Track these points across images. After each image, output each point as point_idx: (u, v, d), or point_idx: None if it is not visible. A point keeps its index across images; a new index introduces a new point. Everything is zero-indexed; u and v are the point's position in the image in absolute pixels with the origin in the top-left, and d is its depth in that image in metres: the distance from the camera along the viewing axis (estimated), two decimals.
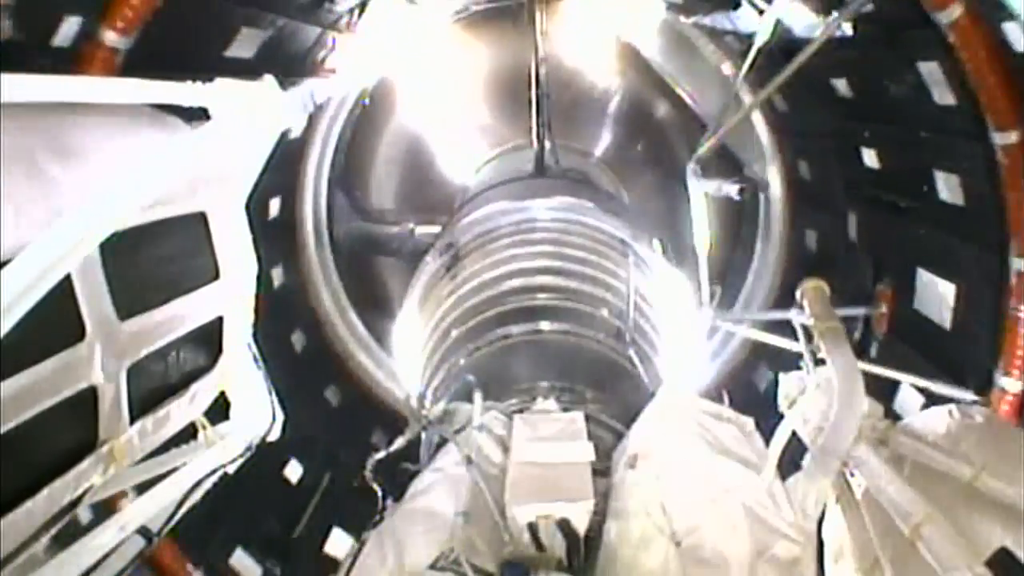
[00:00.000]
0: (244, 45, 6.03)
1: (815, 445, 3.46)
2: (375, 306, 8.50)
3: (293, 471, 7.13)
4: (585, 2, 6.43)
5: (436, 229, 6.94)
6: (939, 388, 5.61)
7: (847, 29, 5.39)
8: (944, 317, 5.97)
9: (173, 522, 3.74)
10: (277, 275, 7.63)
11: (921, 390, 5.77)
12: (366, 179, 7.71)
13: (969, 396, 5.47)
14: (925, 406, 5.62)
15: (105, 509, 3.47)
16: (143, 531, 3.51)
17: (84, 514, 3.35)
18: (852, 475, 3.61)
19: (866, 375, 3.66)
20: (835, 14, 5.16)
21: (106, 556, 3.25)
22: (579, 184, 8.29)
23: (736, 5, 5.97)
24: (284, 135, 3.92)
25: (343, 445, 7.39)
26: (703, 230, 6.29)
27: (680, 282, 6.67)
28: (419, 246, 6.95)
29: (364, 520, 3.42)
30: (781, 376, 4.24)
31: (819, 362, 4.04)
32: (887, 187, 6.62)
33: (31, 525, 2.86)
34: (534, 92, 6.57)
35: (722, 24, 6.54)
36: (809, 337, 4.32)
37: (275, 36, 6.18)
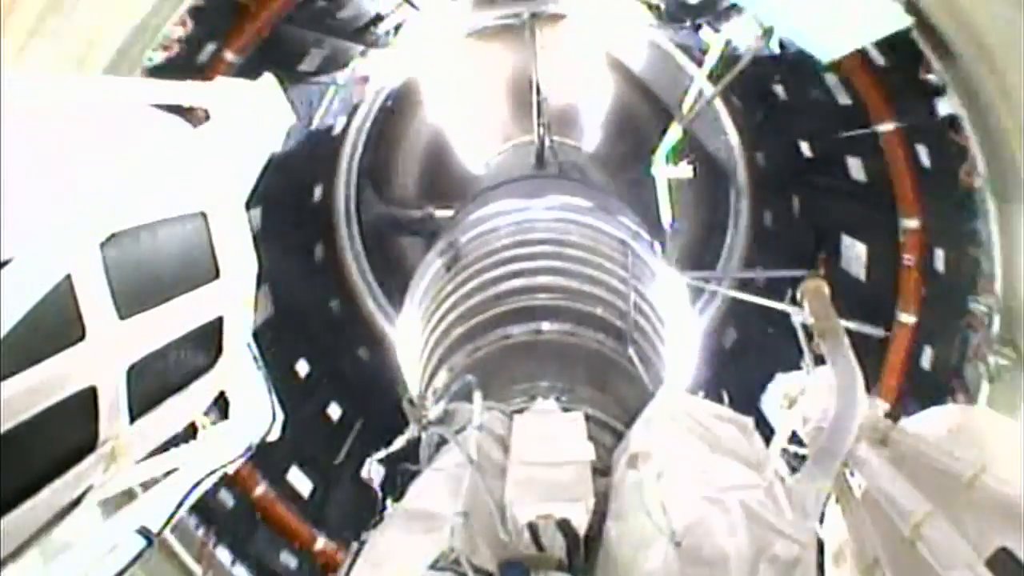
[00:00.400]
0: (311, 61, 7.61)
1: (815, 445, 3.47)
2: (396, 280, 9.40)
3: (334, 411, 8.71)
4: (576, 22, 8.07)
5: (452, 212, 8.02)
6: (859, 328, 6.66)
7: (775, 47, 6.43)
8: (860, 272, 7.51)
9: (173, 522, 3.73)
10: (319, 250, 9.16)
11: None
12: (390, 169, 9.14)
13: (880, 332, 6.92)
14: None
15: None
16: (143, 531, 3.50)
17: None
18: (852, 475, 3.61)
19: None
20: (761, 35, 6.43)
21: (106, 556, 3.25)
22: (579, 184, 8.33)
23: (699, 27, 7.34)
24: (282, 128, 4.04)
25: (373, 393, 8.50)
26: (665, 202, 8.08)
27: (678, 283, 6.70)
28: (438, 227, 7.97)
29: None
30: (782, 376, 4.25)
31: (819, 360, 4.05)
32: (818, 171, 8.26)
33: (31, 525, 2.86)
34: (534, 96, 7.74)
35: (688, 41, 8.01)
36: (809, 336, 4.32)
37: (331, 54, 7.68)
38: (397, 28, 7.94)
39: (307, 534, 7.23)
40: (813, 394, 3.92)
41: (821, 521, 3.45)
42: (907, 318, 6.89)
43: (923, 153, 6.41)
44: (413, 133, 8.91)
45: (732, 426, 3.68)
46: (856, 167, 7.44)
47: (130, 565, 3.45)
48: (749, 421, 3.81)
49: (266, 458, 6.99)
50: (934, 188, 6.41)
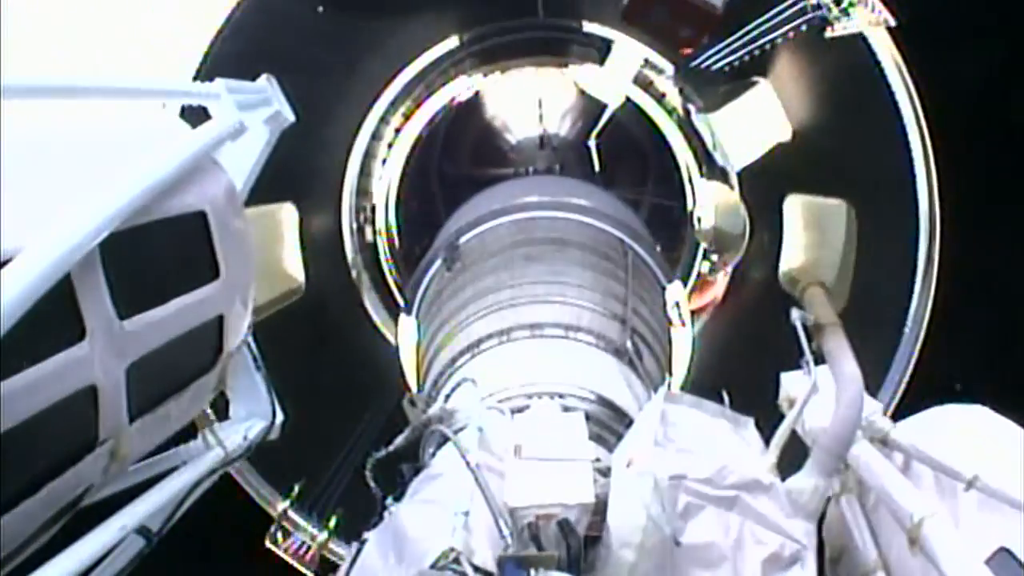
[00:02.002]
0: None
1: (815, 445, 3.46)
2: None
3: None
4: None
5: (503, 171, 10.67)
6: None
7: None
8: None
9: (173, 522, 3.73)
10: (426, 195, 11.31)
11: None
12: (459, 145, 11.51)
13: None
14: None
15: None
16: (143, 531, 3.50)
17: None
18: (852, 474, 3.61)
19: None
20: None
21: (106, 556, 3.25)
22: (580, 184, 8.37)
23: None
24: (281, 129, 4.06)
25: None
26: (596, 161, 10.37)
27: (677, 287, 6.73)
28: (492, 181, 9.74)
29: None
30: (782, 376, 4.24)
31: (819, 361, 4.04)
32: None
33: (31, 524, 2.86)
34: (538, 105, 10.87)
35: None
36: (809, 337, 4.31)
37: None
38: None
39: None
40: (813, 394, 3.91)
41: (821, 521, 3.44)
42: None
43: None
44: (473, 123, 11.31)
45: (732, 426, 3.68)
46: None
47: (130, 565, 3.45)
48: (749, 421, 3.81)
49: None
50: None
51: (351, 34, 7.00)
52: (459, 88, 8.51)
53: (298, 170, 7.08)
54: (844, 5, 5.26)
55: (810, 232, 7.13)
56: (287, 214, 7.42)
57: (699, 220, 8.13)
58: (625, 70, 7.67)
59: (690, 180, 8.58)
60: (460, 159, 11.39)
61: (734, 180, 8.08)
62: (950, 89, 5.38)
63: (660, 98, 8.19)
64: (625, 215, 7.47)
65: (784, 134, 6.88)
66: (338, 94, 7.42)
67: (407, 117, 8.18)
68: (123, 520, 3.26)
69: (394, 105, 8.00)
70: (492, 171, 10.70)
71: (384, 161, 8.51)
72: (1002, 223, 5.33)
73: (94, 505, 3.35)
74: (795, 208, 7.27)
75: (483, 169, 11.03)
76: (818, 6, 5.38)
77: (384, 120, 8.08)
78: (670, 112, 8.10)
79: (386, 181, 8.69)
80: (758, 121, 6.92)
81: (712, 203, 7.95)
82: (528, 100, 10.73)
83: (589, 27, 7.78)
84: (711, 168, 8.14)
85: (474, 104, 10.19)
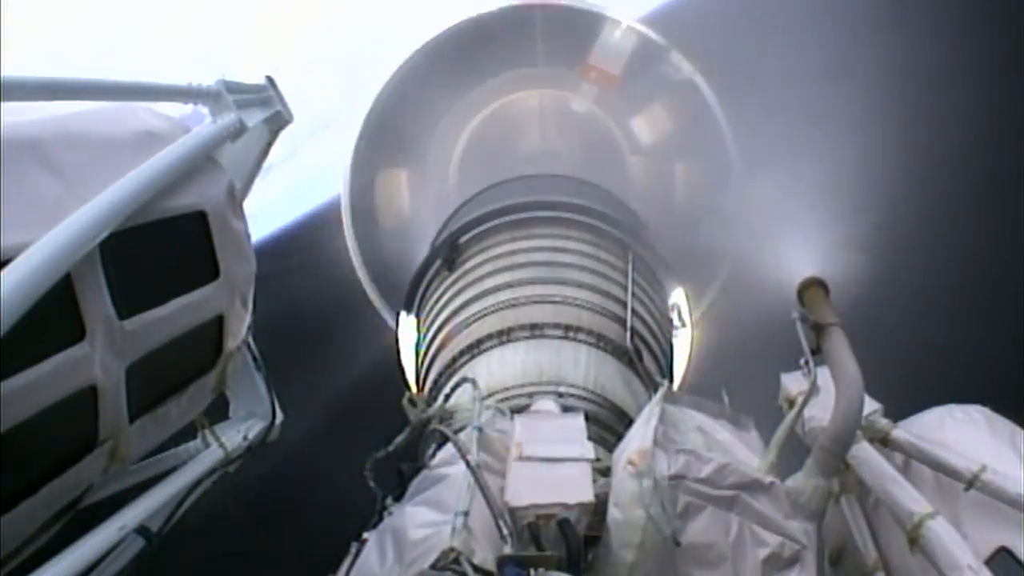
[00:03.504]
0: None
1: (815, 445, 3.46)
2: None
3: None
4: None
5: (515, 152, 13.23)
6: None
7: None
8: None
9: (172, 522, 3.73)
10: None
11: None
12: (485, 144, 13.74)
13: None
14: None
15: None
16: (143, 531, 3.50)
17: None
18: (852, 474, 3.61)
19: None
20: None
21: (106, 556, 3.25)
22: (582, 184, 8.36)
23: None
24: (280, 129, 4.08)
25: None
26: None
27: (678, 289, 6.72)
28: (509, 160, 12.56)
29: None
30: (782, 376, 4.24)
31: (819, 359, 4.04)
32: None
33: (32, 523, 2.86)
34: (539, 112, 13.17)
35: None
36: (810, 336, 4.31)
37: None
38: None
39: None
40: (813, 394, 3.91)
41: (821, 521, 3.45)
42: None
43: None
44: (500, 124, 13.83)
45: (732, 426, 3.68)
46: None
47: (130, 565, 3.45)
48: (750, 420, 3.81)
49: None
50: None
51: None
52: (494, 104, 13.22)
53: (412, 154, 11.94)
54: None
55: (690, 181, 12.00)
56: (404, 177, 12.23)
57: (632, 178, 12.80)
58: (589, 94, 12.25)
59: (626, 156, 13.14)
60: (490, 146, 13.82)
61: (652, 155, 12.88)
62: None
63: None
64: (626, 215, 7.45)
65: (670, 128, 11.84)
66: (429, 116, 12.24)
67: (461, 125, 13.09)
68: (123, 520, 3.25)
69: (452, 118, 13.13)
70: (508, 154, 13.25)
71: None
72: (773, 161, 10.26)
73: (94, 505, 3.36)
74: (680, 169, 12.03)
75: (504, 151, 13.42)
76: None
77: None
78: (615, 117, 12.72)
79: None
80: (655, 121, 12.12)
81: (640, 168, 12.39)
82: (534, 109, 13.57)
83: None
84: (638, 147, 12.61)
85: (501, 111, 13.36)
